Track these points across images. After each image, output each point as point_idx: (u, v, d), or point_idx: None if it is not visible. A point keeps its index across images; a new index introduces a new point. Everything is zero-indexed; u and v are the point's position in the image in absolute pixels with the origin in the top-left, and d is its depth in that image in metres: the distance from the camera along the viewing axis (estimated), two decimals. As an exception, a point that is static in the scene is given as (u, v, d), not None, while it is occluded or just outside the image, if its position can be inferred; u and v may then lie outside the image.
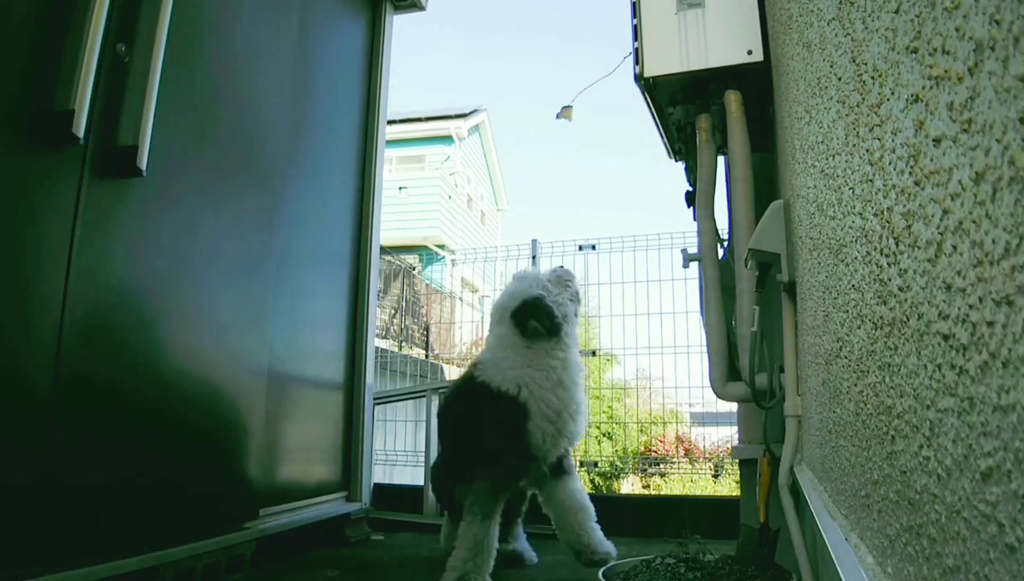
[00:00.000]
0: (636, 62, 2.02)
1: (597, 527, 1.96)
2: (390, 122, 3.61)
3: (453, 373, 7.24)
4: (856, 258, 0.68)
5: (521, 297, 1.94)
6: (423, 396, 3.13)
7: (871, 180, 0.59)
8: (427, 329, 8.27)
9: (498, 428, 1.86)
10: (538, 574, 2.01)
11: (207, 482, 1.81)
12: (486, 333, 2.09)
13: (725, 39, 1.93)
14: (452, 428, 2.11)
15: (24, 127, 1.29)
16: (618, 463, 5.36)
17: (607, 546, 1.94)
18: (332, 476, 2.58)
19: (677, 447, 5.80)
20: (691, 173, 2.22)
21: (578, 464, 4.06)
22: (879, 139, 0.55)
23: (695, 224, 2.10)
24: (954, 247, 0.38)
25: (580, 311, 2.09)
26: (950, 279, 0.39)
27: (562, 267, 2.14)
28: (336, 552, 2.30)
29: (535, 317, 1.87)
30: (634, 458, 5.45)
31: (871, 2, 0.55)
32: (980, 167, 0.33)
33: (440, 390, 3.14)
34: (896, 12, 0.48)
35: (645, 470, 5.69)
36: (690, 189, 2.19)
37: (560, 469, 1.99)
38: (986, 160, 0.32)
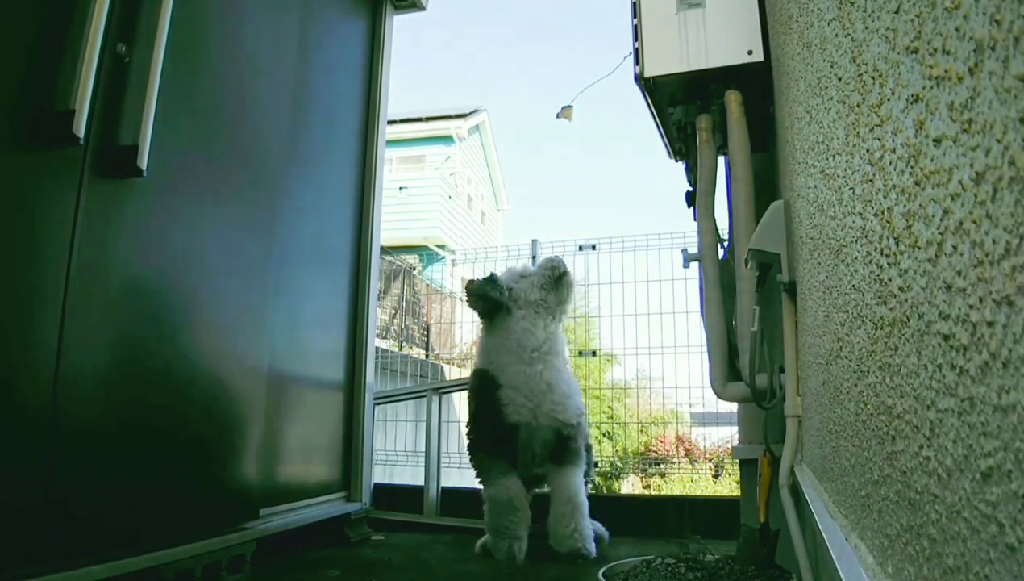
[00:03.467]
0: (636, 62, 2.02)
1: (581, 523, 2.09)
2: (390, 122, 3.61)
3: (453, 373, 7.24)
4: (856, 258, 0.68)
5: (475, 287, 2.32)
6: (423, 396, 3.12)
7: (871, 180, 0.59)
8: (427, 329, 8.26)
9: (475, 390, 2.26)
10: (537, 573, 2.01)
11: (207, 482, 1.81)
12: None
13: (725, 39, 1.93)
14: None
15: (24, 127, 1.29)
16: (618, 463, 5.36)
17: (581, 543, 2.06)
18: (332, 476, 2.58)
19: (677, 447, 5.80)
20: (691, 173, 2.22)
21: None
22: (879, 139, 0.55)
23: (695, 224, 2.10)
24: (954, 247, 0.38)
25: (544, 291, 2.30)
26: (950, 279, 0.39)
27: (545, 260, 2.40)
28: (336, 552, 2.30)
29: (474, 305, 2.31)
30: (634, 458, 5.45)
31: (871, 2, 0.55)
32: (980, 167, 0.33)
33: (441, 390, 3.14)
34: (896, 12, 0.48)
35: (645, 470, 5.69)
36: (690, 189, 2.19)
37: (558, 459, 2.15)
38: (986, 160, 0.32)
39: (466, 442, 2.29)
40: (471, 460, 2.23)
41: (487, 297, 2.25)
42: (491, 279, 2.30)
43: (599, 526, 2.31)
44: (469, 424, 2.28)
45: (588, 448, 2.34)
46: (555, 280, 2.29)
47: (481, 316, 2.31)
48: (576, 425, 2.18)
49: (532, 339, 2.21)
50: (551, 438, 2.15)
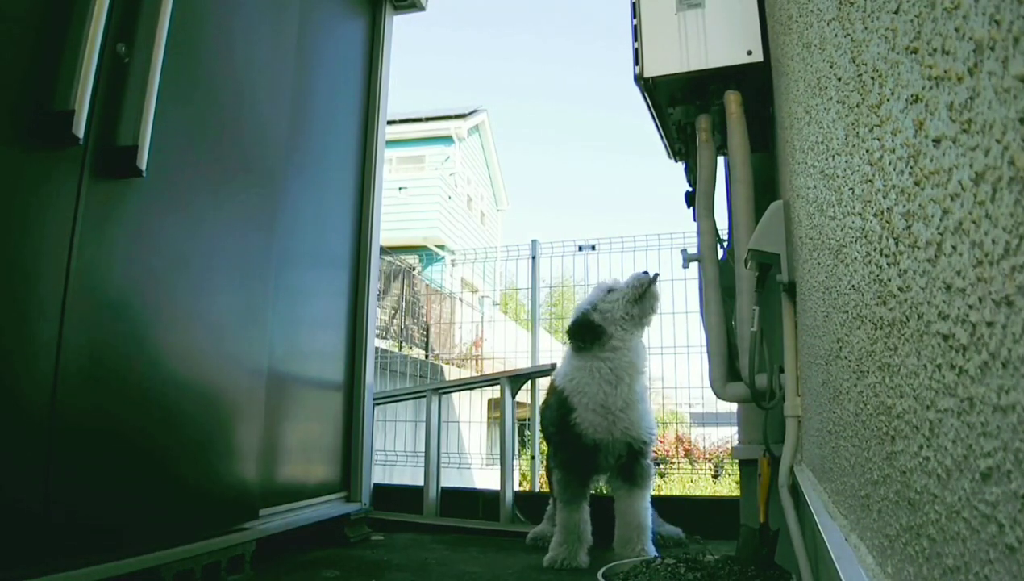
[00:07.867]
0: (636, 62, 2.02)
1: (645, 543, 2.07)
2: (390, 122, 3.61)
3: (453, 373, 7.24)
4: (856, 258, 0.68)
5: (574, 315, 2.29)
6: (423, 396, 3.12)
7: (871, 180, 0.59)
8: (427, 329, 8.26)
9: (553, 415, 2.20)
10: (537, 574, 2.01)
11: (207, 482, 1.81)
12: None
13: (725, 39, 1.93)
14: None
15: (24, 127, 1.29)
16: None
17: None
18: (332, 476, 2.58)
19: (677, 447, 5.80)
20: (691, 173, 2.22)
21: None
22: (879, 139, 0.55)
23: (695, 224, 2.10)
24: (954, 247, 0.38)
25: (641, 311, 2.24)
26: (950, 279, 0.39)
27: (633, 275, 2.31)
28: (336, 552, 2.30)
29: (575, 335, 2.23)
30: (634, 458, 5.43)
31: (871, 2, 0.55)
32: (980, 167, 0.33)
33: (440, 390, 3.14)
34: (896, 12, 0.48)
35: (645, 470, 5.67)
36: (690, 189, 2.19)
37: (628, 477, 2.13)
38: (986, 160, 0.32)
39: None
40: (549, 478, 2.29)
41: (590, 324, 2.19)
42: (587, 311, 2.23)
43: (676, 529, 2.36)
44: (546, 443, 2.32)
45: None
46: (642, 293, 2.22)
47: (581, 347, 2.21)
48: (646, 443, 2.15)
49: (622, 358, 2.16)
50: (624, 453, 2.13)
